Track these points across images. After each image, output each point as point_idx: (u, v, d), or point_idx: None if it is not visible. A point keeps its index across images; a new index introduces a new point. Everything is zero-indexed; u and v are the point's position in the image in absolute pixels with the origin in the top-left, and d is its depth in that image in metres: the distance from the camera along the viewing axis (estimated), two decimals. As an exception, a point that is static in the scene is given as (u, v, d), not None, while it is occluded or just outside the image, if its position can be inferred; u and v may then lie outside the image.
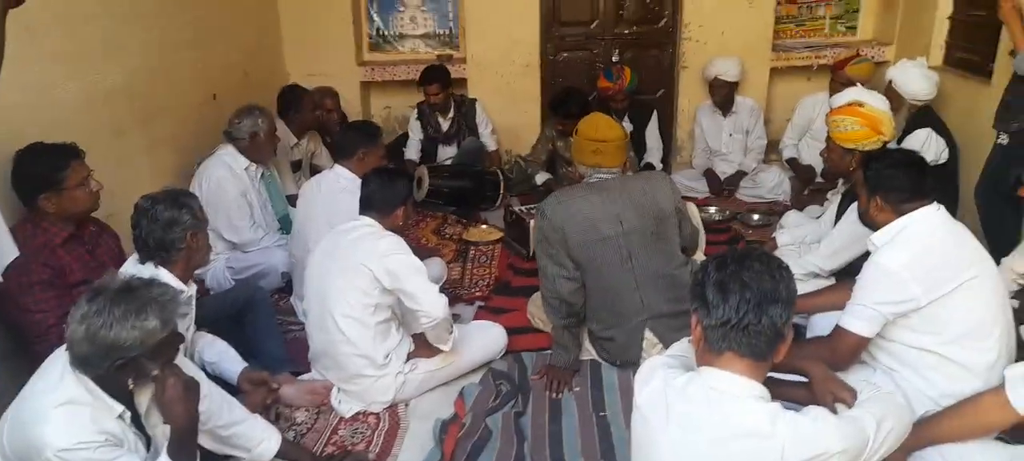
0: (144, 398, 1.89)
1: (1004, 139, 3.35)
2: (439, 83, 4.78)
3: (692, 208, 3.26)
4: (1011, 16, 3.26)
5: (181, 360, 2.14)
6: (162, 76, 3.58)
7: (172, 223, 2.29)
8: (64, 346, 1.76)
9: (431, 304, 2.53)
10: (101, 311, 1.69)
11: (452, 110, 4.96)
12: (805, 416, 1.52)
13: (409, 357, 2.74)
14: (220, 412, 2.16)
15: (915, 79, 3.77)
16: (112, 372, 1.74)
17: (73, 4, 2.90)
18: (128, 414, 1.83)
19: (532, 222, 3.62)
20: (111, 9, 3.18)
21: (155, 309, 1.73)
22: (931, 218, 2.23)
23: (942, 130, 3.75)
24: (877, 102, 3.00)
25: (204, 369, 2.51)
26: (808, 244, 3.41)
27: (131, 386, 1.81)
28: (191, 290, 2.43)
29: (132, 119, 3.33)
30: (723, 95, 4.82)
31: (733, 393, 1.52)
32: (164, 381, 1.82)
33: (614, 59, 5.28)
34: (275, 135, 3.72)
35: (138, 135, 3.38)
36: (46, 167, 2.39)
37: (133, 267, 2.32)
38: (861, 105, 2.97)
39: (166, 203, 2.30)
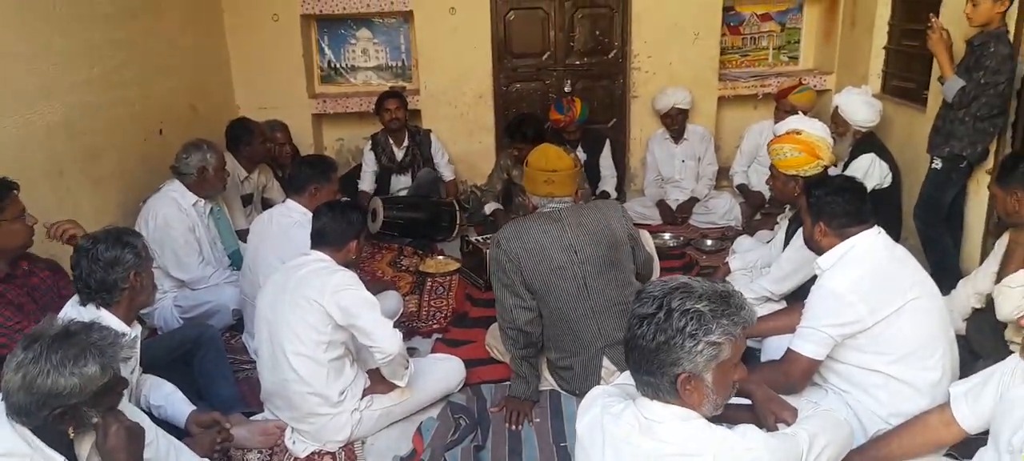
0: (85, 447, 1.81)
1: (938, 163, 3.49)
2: (397, 98, 4.82)
3: (646, 235, 3.30)
4: (938, 46, 3.42)
5: (124, 405, 2.06)
6: (105, 112, 3.50)
7: (114, 263, 2.22)
8: None
9: (385, 339, 2.49)
10: (38, 358, 1.62)
11: (407, 139, 4.96)
12: (734, 432, 1.55)
13: (365, 393, 2.69)
14: (167, 458, 2.08)
15: (860, 106, 3.90)
16: (51, 421, 1.66)
17: (9, 43, 2.82)
18: None
19: (488, 252, 3.61)
20: (48, 47, 3.11)
21: (94, 354, 1.66)
22: (873, 241, 2.30)
23: (885, 155, 3.89)
24: (816, 129, 3.10)
25: (150, 413, 2.43)
26: (759, 269, 3.48)
27: (71, 435, 1.73)
28: (135, 331, 2.35)
29: (73, 157, 3.24)
30: (680, 123, 4.94)
31: (660, 418, 1.54)
32: (106, 428, 1.75)
33: (566, 89, 5.36)
34: (224, 170, 3.65)
35: (79, 173, 3.29)
36: None
37: (74, 309, 2.24)
38: (799, 133, 3.05)
39: (108, 242, 2.24)
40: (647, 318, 1.51)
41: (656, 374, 1.52)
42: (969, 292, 2.83)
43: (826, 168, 3.05)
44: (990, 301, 2.65)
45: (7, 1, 2.84)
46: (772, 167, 3.15)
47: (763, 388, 1.90)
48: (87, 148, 3.35)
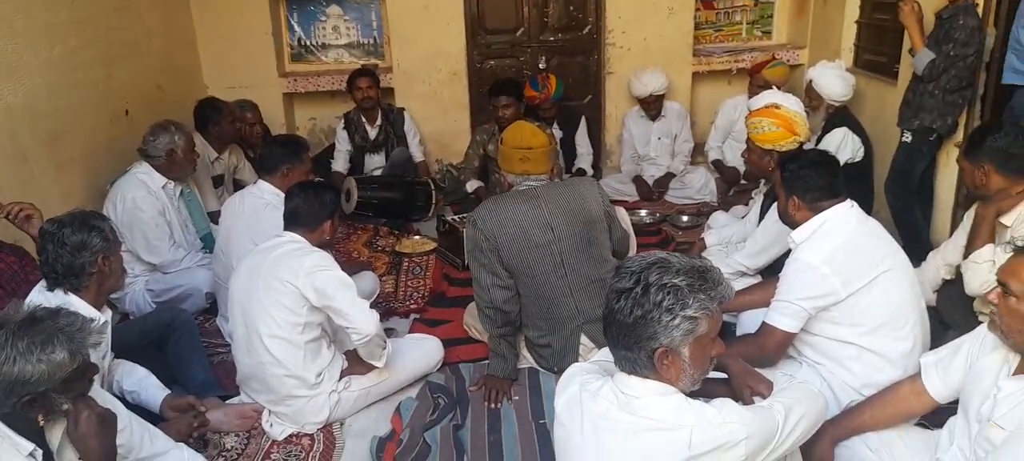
0: (56, 434, 1.77)
1: (908, 136, 3.54)
2: (369, 76, 4.75)
3: (622, 212, 3.31)
4: (909, 19, 3.45)
5: (97, 391, 2.02)
6: (67, 93, 3.39)
7: (81, 247, 2.17)
8: None
9: (361, 320, 2.47)
10: (3, 345, 1.58)
11: (380, 118, 4.90)
12: (711, 406, 1.56)
13: (342, 375, 2.67)
14: (141, 444, 2.05)
15: (833, 80, 3.93)
16: (20, 408, 1.62)
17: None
18: (40, 452, 1.71)
19: (465, 230, 3.59)
20: (8, 27, 3.01)
21: (62, 340, 1.63)
22: (846, 215, 2.33)
23: (857, 129, 3.93)
24: (792, 104, 3.12)
25: (124, 399, 2.39)
26: (735, 244, 3.51)
27: (41, 422, 1.69)
28: (105, 316, 2.30)
29: (35, 140, 3.15)
30: (657, 107, 4.92)
31: (638, 393, 1.55)
32: (77, 415, 1.71)
33: (540, 66, 5.32)
34: (194, 151, 3.58)
35: (43, 157, 3.20)
36: None
37: (40, 295, 2.19)
38: (777, 107, 3.07)
39: (74, 226, 2.19)
40: (625, 292, 1.52)
41: (633, 349, 1.53)
42: (939, 264, 2.88)
43: (802, 144, 3.07)
44: (960, 273, 2.70)
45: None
46: (748, 140, 3.16)
47: (739, 362, 1.91)
48: (50, 131, 3.26)
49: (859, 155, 3.89)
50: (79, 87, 3.52)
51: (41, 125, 3.19)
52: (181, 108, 4.28)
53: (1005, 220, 2.57)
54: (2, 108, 2.93)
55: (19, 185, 2.93)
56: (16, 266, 2.54)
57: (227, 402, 2.69)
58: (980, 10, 3.33)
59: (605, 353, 1.85)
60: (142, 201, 3.32)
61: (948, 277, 2.86)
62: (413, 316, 3.50)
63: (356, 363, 2.68)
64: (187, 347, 2.80)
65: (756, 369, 2.06)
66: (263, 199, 3.12)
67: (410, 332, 3.28)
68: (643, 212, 4.61)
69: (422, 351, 2.94)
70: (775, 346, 2.29)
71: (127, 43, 4.02)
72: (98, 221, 2.25)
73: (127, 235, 3.25)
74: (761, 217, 3.24)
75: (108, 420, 1.78)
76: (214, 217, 3.70)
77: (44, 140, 3.21)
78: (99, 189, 3.51)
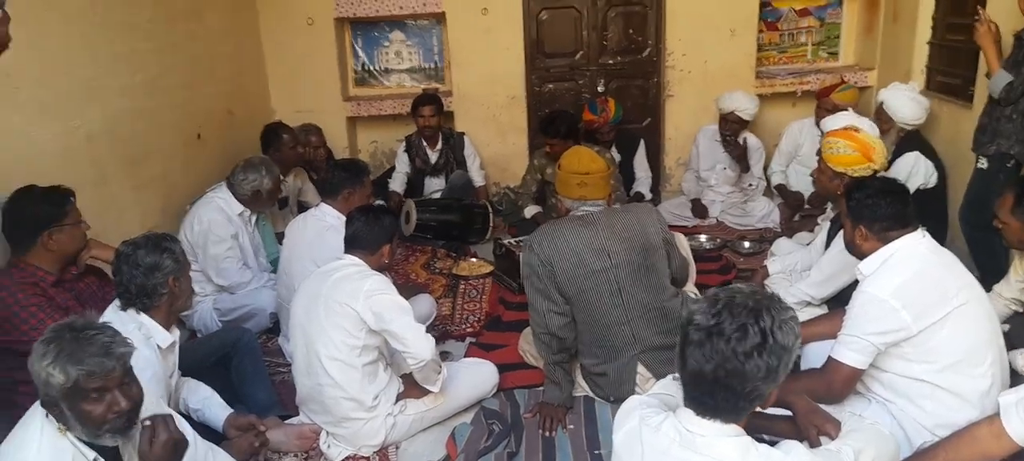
0: (128, 450, 1.84)
1: (983, 163, 3.38)
2: (433, 105, 4.83)
3: (681, 239, 3.25)
4: (986, 40, 3.31)
5: (164, 409, 2.10)
6: (145, 118, 3.56)
7: (153, 268, 2.26)
8: (37, 403, 1.72)
9: (418, 345, 2.50)
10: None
11: (441, 142, 4.98)
12: (779, 450, 1.50)
13: (398, 398, 2.70)
14: (204, 461, 2.11)
15: (907, 103, 3.78)
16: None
17: (52, 51, 2.89)
18: None
19: (521, 254, 3.60)
20: (92, 55, 3.18)
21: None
22: (917, 245, 2.24)
23: (930, 153, 3.77)
24: (871, 130, 3.04)
25: (189, 417, 2.47)
26: (799, 272, 3.40)
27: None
28: (174, 336, 2.39)
29: (115, 163, 3.30)
30: (734, 131, 4.77)
31: (703, 432, 1.50)
32: (153, 435, 1.78)
33: (599, 89, 5.31)
34: (278, 191, 3.70)
35: (122, 178, 3.36)
36: (50, 203, 2.50)
37: (114, 314, 2.28)
38: (857, 131, 3.00)
39: (147, 248, 2.28)
40: (757, 349, 1.40)
41: (737, 400, 1.45)
42: (1003, 297, 2.74)
43: (876, 172, 2.97)
44: None
45: (53, 12, 2.91)
46: (820, 160, 3.07)
47: (805, 399, 1.85)
48: (129, 154, 3.42)
49: (932, 181, 3.73)
50: (157, 112, 3.69)
51: (121, 149, 3.35)
52: (250, 131, 4.44)
53: None
54: (85, 133, 3.10)
55: (100, 206, 3.08)
56: (95, 286, 2.68)
57: (287, 422, 2.75)
58: (1064, 30, 3.17)
59: (664, 384, 1.82)
60: (217, 226, 3.44)
61: (1018, 309, 2.72)
62: (469, 340, 3.51)
63: (412, 387, 2.70)
64: (250, 367, 2.87)
65: (822, 407, 1.99)
66: (325, 222, 3.19)
67: (466, 356, 3.29)
68: (703, 238, 4.53)
69: (477, 376, 2.94)
70: (842, 382, 2.20)
71: (201, 69, 4.21)
72: (170, 243, 2.34)
73: (200, 256, 3.38)
74: (827, 244, 3.14)
75: (181, 446, 1.84)
76: (279, 237, 3.81)
77: (123, 163, 3.37)
78: (174, 210, 3.67)
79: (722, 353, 1.40)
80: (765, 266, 3.55)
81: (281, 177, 4.24)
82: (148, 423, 1.76)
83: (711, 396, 1.44)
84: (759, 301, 1.43)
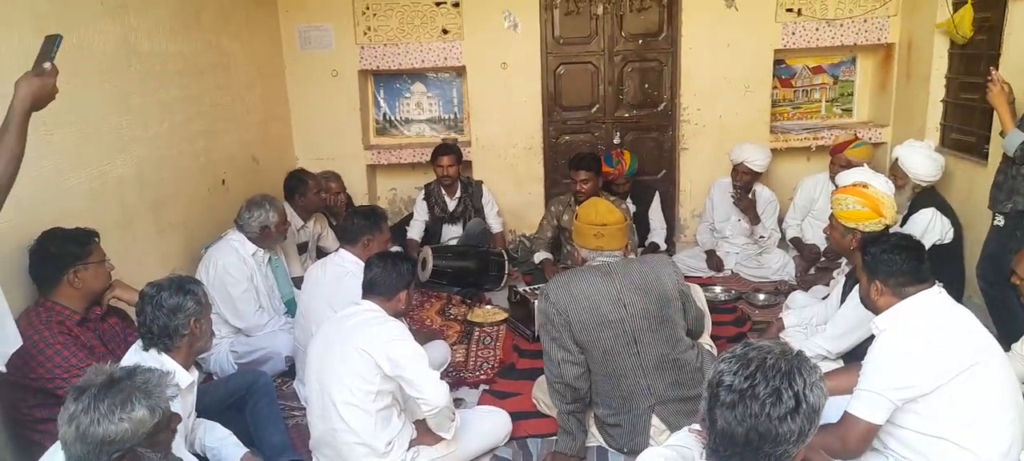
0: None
1: (1000, 220, 3.38)
2: (452, 155, 4.93)
3: (697, 291, 3.26)
4: (999, 99, 3.34)
5: (181, 452, 2.12)
6: (171, 164, 3.67)
7: (176, 310, 2.30)
8: (57, 444, 1.75)
9: (432, 392, 2.51)
10: (87, 409, 1.67)
11: (459, 190, 5.05)
12: None
13: (411, 444, 2.69)
14: (219, 503, 2.12)
15: (922, 160, 3.80)
16: None
17: (85, 101, 3.00)
18: None
19: (536, 303, 3.62)
20: (125, 105, 3.29)
21: (140, 397, 1.71)
22: (933, 302, 2.24)
23: (946, 210, 3.78)
24: (881, 185, 3.06)
25: (205, 458, 2.48)
26: (814, 326, 3.39)
27: None
28: (193, 376, 2.42)
29: (141, 207, 3.39)
30: (745, 182, 4.81)
31: None
32: None
33: (615, 141, 5.39)
34: (285, 224, 3.77)
35: (147, 222, 3.44)
36: (75, 242, 2.58)
37: (136, 355, 2.32)
38: (866, 186, 3.02)
39: (171, 290, 2.33)
40: (791, 413, 1.37)
41: (767, 458, 1.41)
42: (1021, 359, 2.72)
43: (887, 227, 2.99)
44: None
45: (90, 64, 3.03)
46: (831, 216, 3.10)
47: (821, 455, 1.84)
48: (155, 199, 3.51)
49: (948, 237, 3.73)
50: (183, 158, 3.79)
51: (147, 194, 3.44)
52: (273, 178, 4.54)
53: None
54: (115, 178, 3.19)
55: (124, 248, 3.15)
56: (118, 327, 2.73)
57: (299, 466, 2.76)
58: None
59: (680, 437, 1.81)
60: (233, 267, 3.51)
61: None
62: (483, 387, 3.51)
63: (425, 433, 2.70)
64: (265, 410, 2.89)
65: (837, 462, 1.98)
66: (344, 268, 3.24)
67: (479, 403, 3.29)
68: (718, 289, 4.53)
69: (490, 424, 2.94)
70: (858, 439, 2.18)
71: (227, 118, 4.33)
72: (192, 285, 2.39)
73: (216, 298, 3.43)
74: (843, 298, 3.14)
75: None
76: (297, 282, 3.86)
77: (149, 207, 3.46)
78: (194, 253, 3.74)
79: (755, 416, 1.37)
80: (781, 319, 3.54)
81: (303, 222, 4.34)
82: None
83: (740, 457, 1.41)
84: (791, 362, 1.41)
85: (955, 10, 4.17)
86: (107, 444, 1.68)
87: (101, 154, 3.11)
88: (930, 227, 3.67)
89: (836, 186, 3.56)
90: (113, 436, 1.67)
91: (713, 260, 4.92)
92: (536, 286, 4.23)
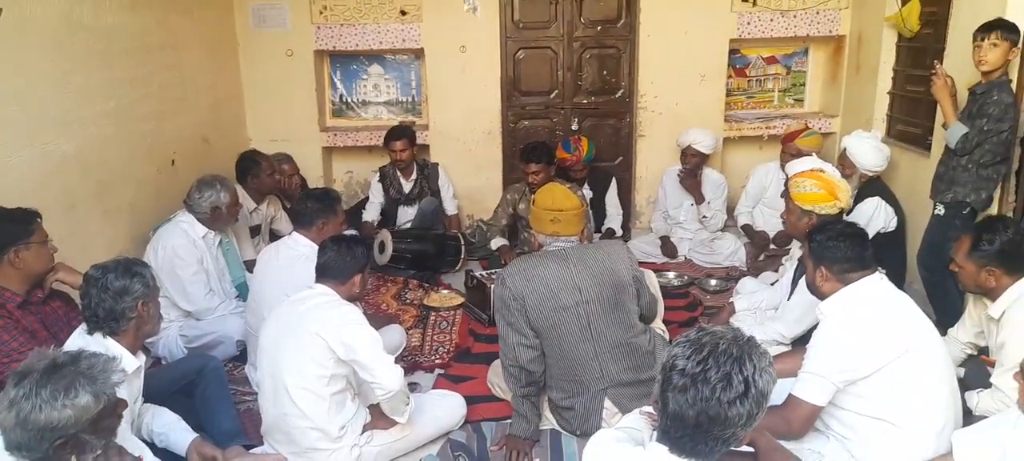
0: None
1: (940, 209, 3.50)
2: (405, 139, 4.86)
3: (650, 276, 3.31)
4: (942, 92, 3.45)
5: (128, 438, 2.08)
6: (118, 144, 3.56)
7: (123, 292, 2.25)
8: None
9: (386, 376, 2.50)
10: (29, 394, 1.63)
11: (415, 172, 5.02)
12: None
13: (365, 429, 2.69)
14: (166, 490, 2.09)
15: (869, 151, 3.93)
16: (52, 453, 1.67)
17: (27, 77, 2.89)
18: None
19: (493, 287, 3.63)
20: (68, 82, 3.18)
21: (85, 383, 1.67)
22: (875, 288, 2.32)
23: (890, 199, 3.90)
24: (834, 174, 3.16)
25: (152, 443, 2.44)
26: (764, 310, 3.48)
27: None
28: (140, 361, 2.37)
29: (85, 188, 3.29)
30: (694, 164, 4.92)
31: None
32: None
33: (573, 128, 5.41)
34: (237, 205, 3.70)
35: (92, 204, 3.34)
36: (17, 221, 2.50)
37: (81, 339, 2.26)
38: (822, 171, 3.12)
39: (117, 272, 2.27)
40: (740, 398, 1.42)
41: (715, 442, 1.45)
42: (959, 341, 2.84)
43: (842, 211, 3.08)
44: (981, 347, 2.67)
45: (32, 39, 2.92)
46: (789, 200, 3.17)
47: (766, 437, 1.89)
48: (100, 180, 3.41)
49: (892, 225, 3.86)
50: (130, 139, 3.68)
51: (92, 175, 3.34)
52: (225, 159, 4.44)
53: (993, 311, 2.55)
54: (57, 159, 3.09)
55: (67, 231, 3.06)
56: (61, 311, 2.66)
57: (251, 451, 2.72)
58: (1014, 85, 3.32)
59: (631, 419, 1.84)
60: (182, 250, 3.43)
61: (972, 352, 2.81)
62: (438, 371, 3.52)
63: (379, 417, 2.70)
64: (215, 394, 2.84)
65: (783, 444, 2.04)
66: (297, 251, 3.19)
67: (434, 387, 3.29)
68: (671, 274, 4.60)
69: (445, 408, 2.95)
70: (802, 419, 2.25)
71: (177, 98, 4.22)
72: (140, 268, 2.34)
73: (165, 281, 3.35)
74: (794, 284, 3.22)
75: None
76: (250, 266, 3.79)
77: (94, 189, 3.35)
78: (142, 236, 3.64)
79: (706, 399, 1.41)
80: (732, 303, 3.62)
81: (256, 204, 4.26)
82: (98, 454, 1.74)
83: (690, 439, 1.45)
84: (742, 348, 1.45)
85: (903, 4, 4.28)
86: (49, 431, 1.64)
87: (43, 133, 3.01)
88: (875, 216, 3.80)
89: (787, 174, 3.66)
90: (55, 423, 1.64)
91: (667, 247, 5.00)
92: (493, 271, 4.24)
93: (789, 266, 3.61)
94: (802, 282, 3.03)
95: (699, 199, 4.96)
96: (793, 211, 3.14)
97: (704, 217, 4.99)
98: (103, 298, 2.23)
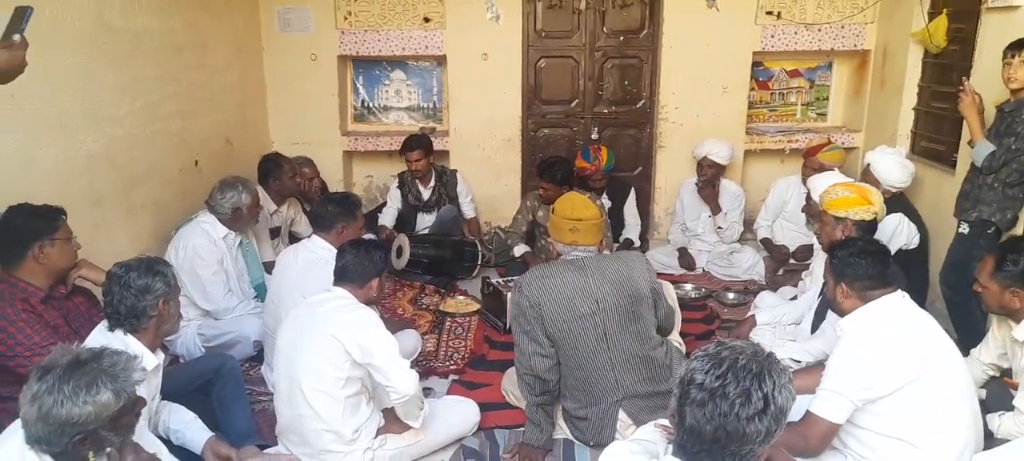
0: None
1: (965, 228, 3.45)
2: (421, 149, 4.87)
3: (668, 287, 3.30)
4: (969, 110, 3.41)
5: (144, 435, 2.10)
6: (144, 143, 3.61)
7: (145, 291, 2.27)
8: (17, 422, 1.72)
9: (402, 380, 2.51)
10: (51, 389, 1.65)
11: (433, 179, 5.03)
12: None
13: (379, 432, 2.69)
14: (182, 488, 2.11)
15: (893, 167, 3.88)
16: (72, 448, 1.69)
17: (56, 76, 2.94)
18: None
19: (509, 295, 3.63)
20: (98, 80, 3.23)
21: (106, 381, 1.69)
22: (896, 306, 2.29)
23: (913, 216, 3.85)
24: (860, 184, 3.14)
25: (169, 440, 2.46)
26: (785, 325, 3.44)
27: (91, 458, 1.76)
28: (159, 359, 2.39)
29: (111, 186, 3.34)
30: (710, 175, 4.91)
31: None
32: (122, 460, 1.78)
33: (593, 137, 5.41)
34: (258, 207, 3.74)
35: (117, 201, 3.39)
36: (41, 218, 2.53)
37: (102, 335, 2.29)
38: (850, 180, 3.11)
39: (140, 271, 2.30)
40: (759, 414, 1.40)
41: (732, 458, 1.44)
42: (982, 362, 2.79)
43: (876, 217, 3.04)
44: (1004, 369, 2.62)
45: (62, 38, 2.97)
46: (821, 213, 3.12)
47: (783, 453, 1.88)
48: (126, 178, 3.45)
49: (914, 242, 3.80)
50: (156, 138, 3.74)
51: (118, 172, 3.39)
52: (247, 161, 4.49)
53: (1017, 333, 2.51)
54: (83, 155, 3.14)
55: (92, 227, 3.11)
56: (83, 307, 2.69)
57: (265, 451, 2.74)
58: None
59: (645, 432, 1.84)
60: (203, 250, 3.46)
61: (995, 374, 2.77)
62: (452, 377, 3.52)
63: (393, 421, 2.70)
64: (231, 394, 2.86)
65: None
66: (316, 254, 3.22)
67: (448, 393, 3.29)
68: (688, 287, 4.57)
69: (459, 414, 2.95)
70: (819, 437, 2.23)
71: (203, 99, 4.27)
72: (162, 267, 2.37)
73: (185, 281, 3.39)
74: (821, 312, 3.17)
75: None
76: (269, 267, 3.83)
77: (119, 186, 3.40)
78: (165, 234, 3.69)
79: (724, 415, 1.39)
80: (754, 315, 3.58)
81: (276, 206, 4.30)
82: (110, 451, 1.76)
83: (707, 454, 1.44)
84: (761, 363, 1.44)
85: (930, 20, 4.24)
86: (69, 426, 1.66)
87: (71, 131, 3.06)
88: (897, 232, 3.74)
89: (807, 188, 3.62)
90: (76, 418, 1.66)
91: (685, 258, 4.97)
92: (509, 278, 4.24)
93: (809, 283, 3.58)
94: (830, 314, 2.98)
95: (716, 210, 4.93)
96: (827, 222, 3.09)
97: (719, 228, 4.96)
98: (125, 296, 2.26)
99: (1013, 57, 3.18)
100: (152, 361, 2.32)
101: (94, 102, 3.21)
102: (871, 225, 3.06)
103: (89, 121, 3.17)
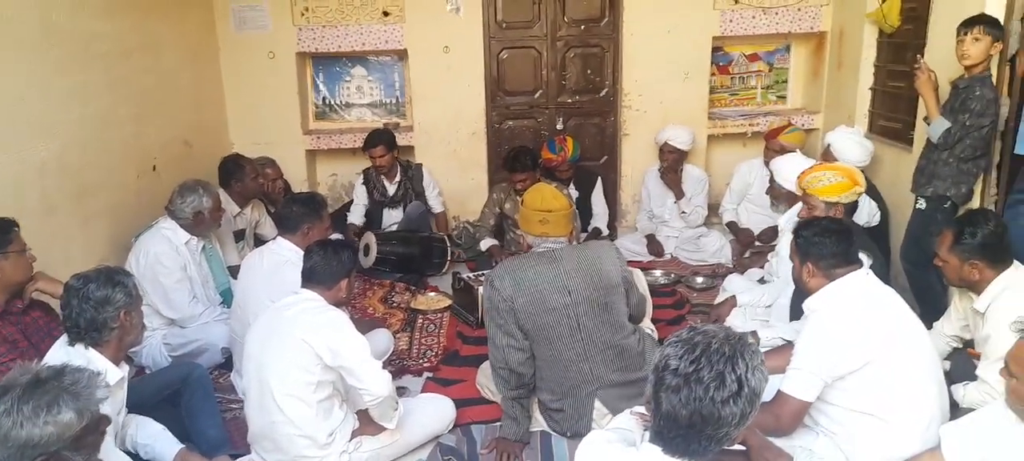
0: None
1: (922, 203, 3.53)
2: (384, 145, 4.81)
3: (639, 275, 3.31)
4: (925, 87, 3.48)
5: (110, 448, 2.05)
6: (97, 149, 3.51)
7: (104, 302, 2.21)
8: None
9: (374, 382, 2.48)
10: (10, 411, 1.59)
11: (399, 174, 4.99)
12: None
13: (353, 435, 2.66)
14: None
15: (853, 147, 3.96)
16: None
17: (3, 82, 2.84)
18: None
19: (480, 289, 3.61)
20: (45, 87, 3.13)
21: (68, 400, 1.64)
22: (861, 283, 2.33)
23: (874, 193, 3.92)
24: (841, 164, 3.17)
25: (137, 455, 2.40)
26: (762, 306, 3.48)
27: None
28: (123, 372, 2.33)
29: (64, 195, 3.24)
30: (672, 160, 4.95)
31: None
32: None
33: (558, 127, 5.41)
34: (220, 210, 3.66)
35: (71, 210, 3.29)
36: None
37: (62, 350, 2.23)
38: (833, 162, 3.12)
39: (99, 282, 2.23)
40: (733, 397, 1.41)
41: (708, 442, 1.45)
42: (945, 334, 2.86)
43: (859, 194, 3.08)
44: (967, 341, 2.69)
45: (6, 41, 2.87)
46: (810, 198, 3.12)
47: (756, 434, 1.90)
48: (80, 185, 3.35)
49: (875, 220, 3.88)
50: (110, 143, 3.63)
51: (71, 180, 3.29)
52: (207, 163, 4.39)
53: (978, 305, 2.57)
54: (35, 164, 3.03)
55: (47, 237, 3.01)
56: (42, 321, 2.61)
57: (237, 460, 2.69)
58: (994, 80, 3.35)
59: (622, 420, 1.84)
60: (165, 257, 3.38)
61: (958, 345, 2.84)
62: (426, 375, 3.49)
63: (367, 423, 2.67)
64: (200, 403, 2.80)
65: (774, 441, 2.04)
66: (282, 256, 3.16)
67: (423, 391, 3.27)
68: (658, 273, 4.61)
69: (434, 412, 2.93)
70: (790, 416, 2.26)
71: (157, 102, 4.16)
72: (122, 277, 2.30)
73: (148, 289, 3.31)
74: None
75: None
76: (234, 271, 3.75)
77: (73, 194, 3.30)
78: (123, 242, 3.59)
79: (699, 399, 1.41)
80: (734, 297, 3.61)
81: (239, 209, 4.22)
82: None
83: (684, 439, 1.45)
84: (734, 347, 1.45)
85: (883, 0, 4.32)
86: (29, 448, 1.60)
87: (19, 138, 2.95)
88: (858, 210, 3.81)
89: (770, 170, 3.66)
90: (37, 439, 1.60)
91: (653, 245, 5.01)
92: (480, 272, 4.22)
93: (777, 263, 3.62)
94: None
95: (679, 195, 4.98)
96: (817, 207, 3.08)
97: (683, 213, 5.00)
98: (84, 308, 2.20)
99: (966, 34, 3.25)
100: (116, 375, 2.25)
101: (43, 108, 3.11)
102: (855, 204, 3.10)
103: (39, 128, 3.07)
